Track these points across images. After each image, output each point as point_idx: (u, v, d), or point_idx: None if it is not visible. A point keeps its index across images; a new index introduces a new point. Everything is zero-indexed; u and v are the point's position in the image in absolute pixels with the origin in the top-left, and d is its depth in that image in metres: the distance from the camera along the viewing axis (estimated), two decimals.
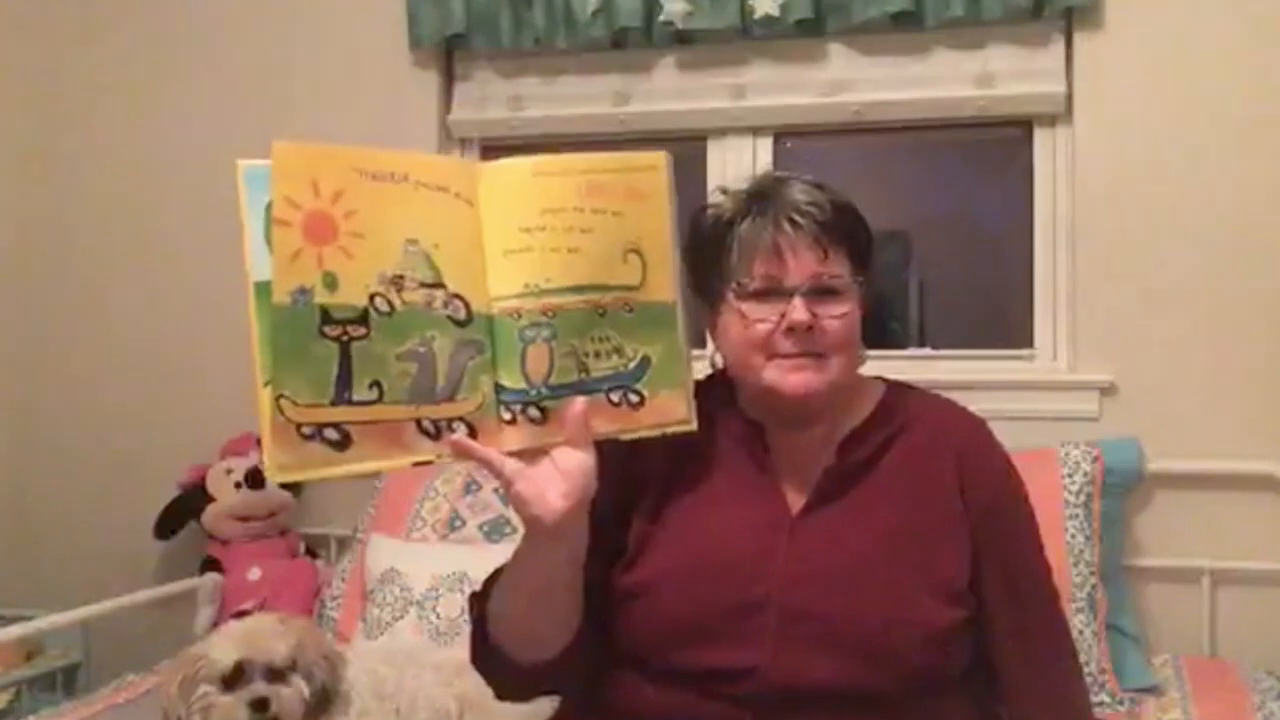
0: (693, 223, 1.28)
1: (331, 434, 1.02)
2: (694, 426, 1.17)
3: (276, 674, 1.58)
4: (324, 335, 1.02)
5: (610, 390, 1.13)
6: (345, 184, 1.04)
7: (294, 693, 1.58)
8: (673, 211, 1.15)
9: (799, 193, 1.21)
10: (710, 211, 1.27)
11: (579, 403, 1.09)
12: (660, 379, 1.15)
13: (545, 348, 1.09)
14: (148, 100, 2.81)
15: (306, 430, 1.01)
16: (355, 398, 1.03)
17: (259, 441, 2.77)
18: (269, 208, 1.02)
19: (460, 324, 1.07)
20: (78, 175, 2.86)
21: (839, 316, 1.20)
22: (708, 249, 1.25)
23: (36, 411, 2.89)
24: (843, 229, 1.21)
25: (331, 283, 1.02)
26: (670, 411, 1.16)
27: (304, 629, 1.66)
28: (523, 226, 1.10)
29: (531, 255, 1.10)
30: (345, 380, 1.03)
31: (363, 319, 1.03)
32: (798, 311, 1.18)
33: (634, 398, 1.14)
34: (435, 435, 1.06)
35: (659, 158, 1.16)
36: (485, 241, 1.09)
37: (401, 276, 1.05)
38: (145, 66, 2.82)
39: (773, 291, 1.19)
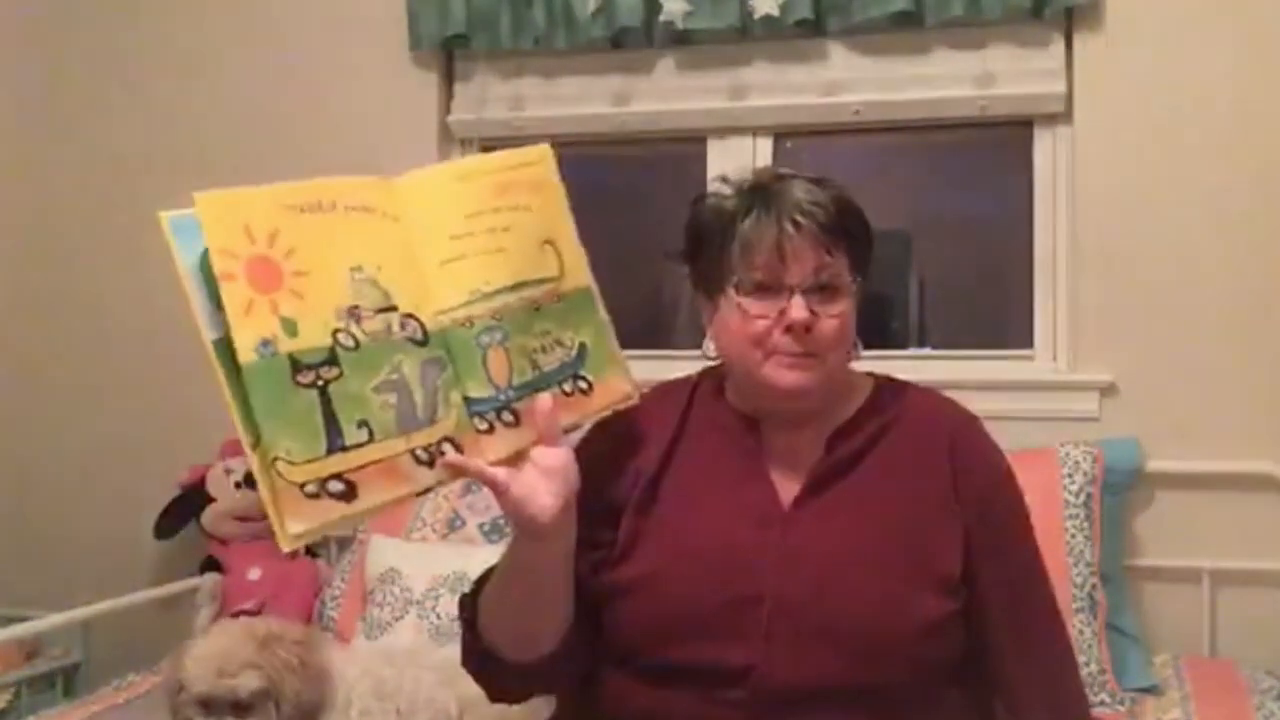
0: (693, 214, 1.28)
1: (335, 486, 0.98)
2: (637, 399, 1.23)
3: (243, 705, 1.56)
4: (299, 384, 0.97)
5: (562, 382, 1.15)
6: (278, 223, 0.99)
7: None
8: (566, 199, 1.20)
9: (802, 191, 1.21)
10: (710, 202, 1.27)
11: (545, 399, 1.11)
12: (598, 361, 1.19)
13: (501, 350, 1.10)
14: (147, 98, 2.81)
15: (310, 489, 0.97)
16: (349, 442, 0.99)
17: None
18: (204, 258, 0.97)
19: (419, 344, 1.05)
20: (77, 174, 2.86)
21: (836, 315, 1.20)
22: (709, 243, 1.25)
23: (36, 412, 2.89)
24: (845, 228, 1.21)
25: (291, 329, 0.97)
26: (615, 390, 1.21)
27: (284, 654, 1.60)
28: (452, 234, 1.10)
29: (468, 261, 1.10)
30: (334, 426, 0.98)
31: (332, 359, 0.99)
32: (797, 310, 1.18)
33: (583, 384, 1.17)
34: (429, 461, 1.04)
35: (543, 150, 1.20)
36: (418, 256, 1.07)
37: (357, 307, 1.02)
38: (145, 66, 2.82)
39: (773, 288, 1.19)
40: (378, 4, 2.64)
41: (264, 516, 2.89)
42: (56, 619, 2.24)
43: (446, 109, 2.68)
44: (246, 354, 0.96)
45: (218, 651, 1.60)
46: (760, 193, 1.23)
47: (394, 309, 1.04)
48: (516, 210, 1.14)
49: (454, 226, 1.10)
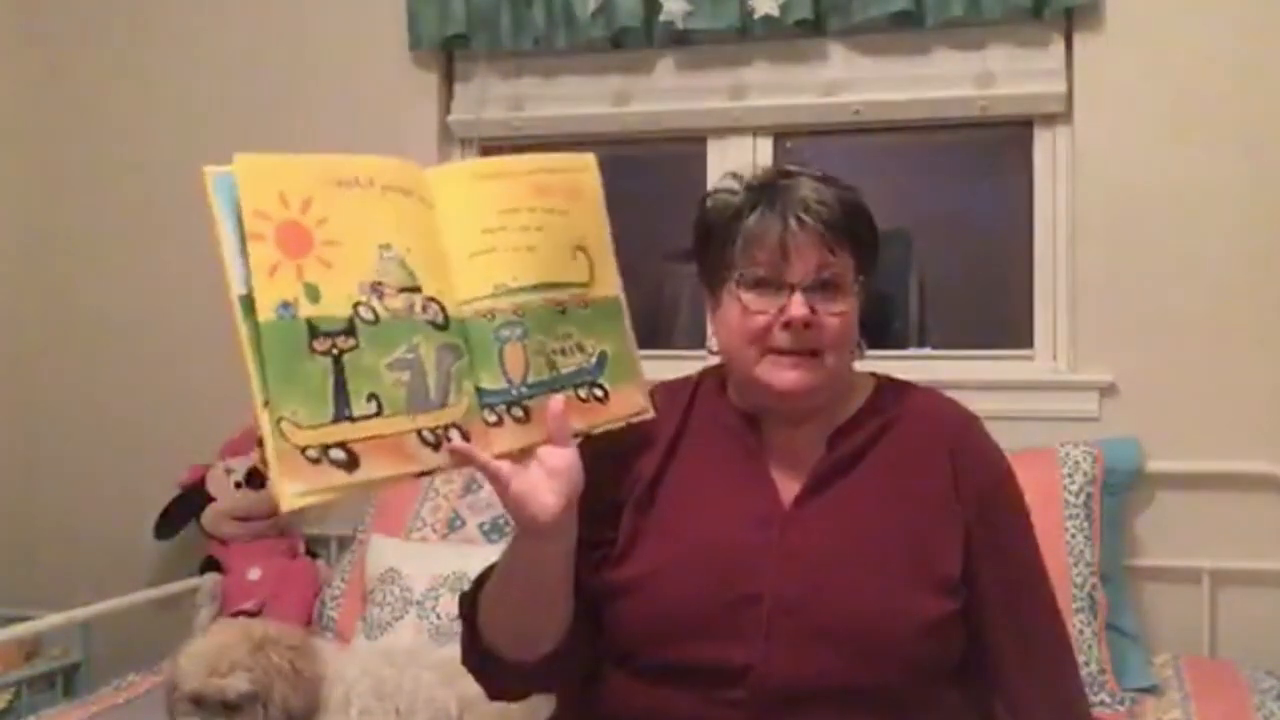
0: (700, 209, 1.29)
1: (338, 454, 0.98)
2: (652, 414, 1.23)
3: (233, 707, 1.56)
4: (314, 350, 0.98)
5: (578, 387, 1.15)
6: (313, 192, 1.00)
7: None
8: (604, 209, 1.20)
9: (808, 189, 1.21)
10: (719, 198, 1.27)
11: (557, 400, 1.11)
12: (618, 372, 1.19)
13: (519, 346, 1.10)
14: (146, 101, 2.82)
15: (312, 453, 0.96)
16: (355, 413, 0.99)
17: (259, 442, 2.75)
18: (239, 215, 0.98)
19: (439, 328, 1.05)
20: (77, 176, 2.86)
21: (838, 314, 1.20)
22: (714, 238, 1.25)
23: (37, 412, 2.89)
24: (849, 228, 1.22)
25: (314, 295, 0.98)
26: (630, 403, 1.21)
27: (277, 658, 1.60)
28: (484, 228, 1.10)
29: (496, 255, 1.10)
30: (342, 396, 0.98)
31: (350, 329, 1.00)
32: (797, 307, 1.18)
33: (599, 392, 1.17)
34: (435, 445, 1.03)
35: (588, 159, 1.21)
36: (448, 244, 1.08)
37: (381, 283, 1.02)
38: (144, 68, 2.82)
39: (774, 285, 1.20)
40: (378, 4, 2.64)
41: (264, 516, 2.91)
42: (56, 619, 2.24)
43: (446, 109, 2.68)
44: (265, 313, 0.96)
45: (211, 651, 1.60)
46: (767, 189, 1.23)
47: (418, 290, 1.05)
48: (551, 213, 1.15)
49: (488, 220, 1.11)
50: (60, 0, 2.88)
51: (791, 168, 1.27)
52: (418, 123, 2.65)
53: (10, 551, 2.84)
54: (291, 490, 0.96)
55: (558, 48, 2.53)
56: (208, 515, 2.55)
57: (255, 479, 2.52)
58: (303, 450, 0.96)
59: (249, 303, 0.97)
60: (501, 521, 2.23)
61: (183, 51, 2.80)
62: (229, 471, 2.55)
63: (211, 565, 2.53)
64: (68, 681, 2.61)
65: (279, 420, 0.96)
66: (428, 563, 2.15)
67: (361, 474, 0.99)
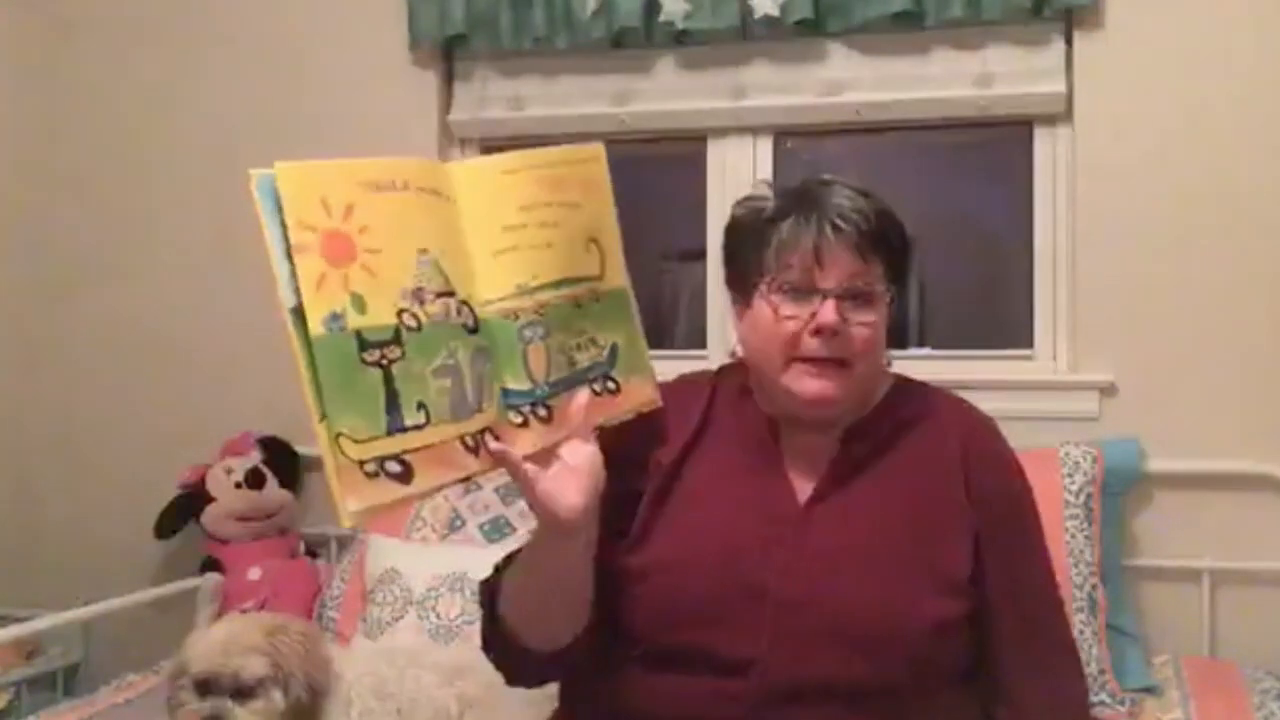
0: (733, 215, 1.30)
1: (393, 466, 0.98)
2: (660, 404, 1.23)
3: (246, 689, 1.55)
4: (365, 362, 0.97)
5: (593, 381, 1.15)
6: (353, 198, 0.99)
7: (259, 709, 1.55)
8: (613, 201, 1.20)
9: (844, 198, 1.22)
10: (752, 204, 1.28)
11: (582, 396, 1.12)
12: (628, 364, 1.19)
13: (542, 345, 1.10)
14: (148, 100, 2.81)
15: (370, 468, 0.97)
16: (408, 423, 0.99)
17: (260, 442, 2.74)
18: (284, 225, 0.97)
19: (471, 331, 1.05)
20: (79, 176, 2.86)
21: (867, 324, 1.21)
22: (747, 242, 1.26)
23: (37, 411, 2.88)
24: (883, 239, 1.23)
25: (360, 305, 0.97)
26: (641, 394, 1.21)
27: (290, 641, 1.61)
28: (506, 225, 1.10)
29: (518, 254, 1.10)
30: (394, 406, 0.98)
31: (396, 339, 0.99)
32: (828, 313, 1.19)
33: (612, 385, 1.18)
34: (475, 450, 1.04)
35: (598, 149, 1.20)
36: (470, 243, 1.08)
37: (421, 289, 1.02)
38: (146, 66, 2.82)
39: (806, 291, 1.20)
40: (378, 4, 2.64)
41: (264, 516, 2.90)
42: (56, 619, 2.24)
43: (446, 109, 2.68)
44: (316, 327, 0.95)
45: (224, 635, 1.60)
46: (802, 196, 1.24)
47: (452, 294, 1.04)
48: (566, 207, 1.15)
49: (508, 217, 1.10)
50: (67, 2, 2.88)
51: (827, 176, 1.28)
52: (418, 123, 2.64)
53: (10, 551, 2.84)
54: (352, 507, 0.95)
55: (558, 48, 2.53)
56: (208, 515, 2.55)
57: (255, 479, 2.52)
58: (361, 465, 0.96)
59: (300, 315, 0.95)
60: (502, 521, 2.23)
61: (183, 52, 2.79)
62: (229, 471, 2.54)
63: (211, 565, 2.53)
64: (68, 681, 2.61)
65: (337, 436, 0.95)
66: (428, 563, 2.15)
67: (415, 485, 0.99)
